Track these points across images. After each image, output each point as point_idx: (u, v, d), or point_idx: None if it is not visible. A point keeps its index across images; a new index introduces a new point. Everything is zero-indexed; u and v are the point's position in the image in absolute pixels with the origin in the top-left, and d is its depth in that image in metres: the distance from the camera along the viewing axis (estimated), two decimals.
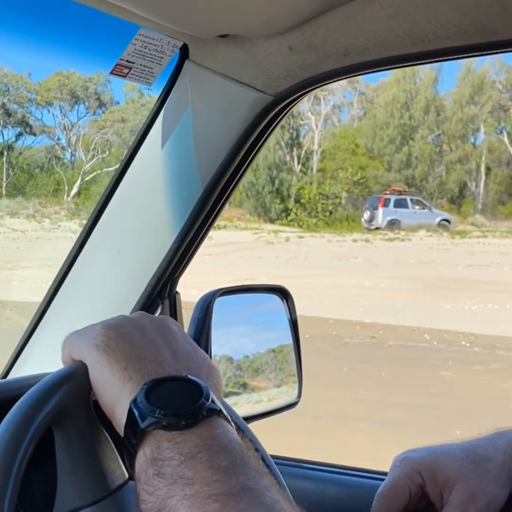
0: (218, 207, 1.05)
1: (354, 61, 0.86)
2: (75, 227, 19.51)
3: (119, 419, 0.63)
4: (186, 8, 0.81)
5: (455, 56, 0.82)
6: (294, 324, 1.36)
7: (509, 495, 0.86)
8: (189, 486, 0.53)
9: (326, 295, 12.47)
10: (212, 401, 0.61)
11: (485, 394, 6.70)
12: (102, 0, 0.77)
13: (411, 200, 31.58)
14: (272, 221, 37.13)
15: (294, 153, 45.15)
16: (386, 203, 31.92)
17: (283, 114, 0.98)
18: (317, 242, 25.55)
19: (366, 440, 5.29)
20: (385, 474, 0.93)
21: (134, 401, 0.61)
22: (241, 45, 0.91)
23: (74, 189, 28.73)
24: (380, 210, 31.24)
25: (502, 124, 44.53)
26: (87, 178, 29.77)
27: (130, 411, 0.61)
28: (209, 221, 1.07)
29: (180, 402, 0.60)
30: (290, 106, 0.97)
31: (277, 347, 1.41)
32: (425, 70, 41.17)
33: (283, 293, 1.35)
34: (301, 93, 0.94)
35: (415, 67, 40.15)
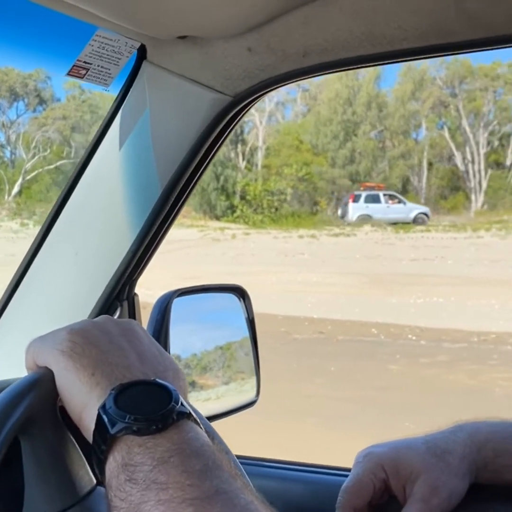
0: (177, 208, 1.05)
1: (313, 62, 0.87)
2: (17, 227, 19.08)
3: (87, 425, 0.63)
4: (144, 9, 0.80)
5: (413, 57, 0.84)
6: (251, 323, 1.37)
7: (468, 486, 0.89)
8: (162, 491, 0.53)
9: (274, 291, 12.54)
10: (182, 404, 0.62)
11: (432, 386, 6.86)
12: (59, 0, 0.76)
13: (385, 194, 31.73)
14: (218, 218, 37.10)
15: (239, 149, 45.16)
16: (356, 199, 32.20)
17: (241, 114, 0.99)
18: (263, 239, 25.64)
19: (317, 435, 5.35)
20: (348, 470, 0.95)
21: (103, 406, 0.60)
22: (199, 46, 0.91)
23: (15, 188, 28.05)
24: (350, 206, 31.56)
25: (443, 120, 45.55)
26: (28, 177, 29.11)
27: (99, 417, 0.60)
28: (168, 222, 1.07)
29: (150, 406, 0.60)
30: (249, 107, 0.98)
31: (225, 344, 1.42)
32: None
33: (240, 292, 1.36)
34: (260, 93, 0.94)
35: None
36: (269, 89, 0.93)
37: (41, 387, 0.66)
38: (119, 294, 1.10)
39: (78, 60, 0.87)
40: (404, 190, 43.40)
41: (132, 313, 1.14)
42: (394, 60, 0.85)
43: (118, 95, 1.01)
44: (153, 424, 0.58)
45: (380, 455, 0.90)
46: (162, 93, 0.98)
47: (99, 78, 0.91)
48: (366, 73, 42.30)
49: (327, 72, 0.90)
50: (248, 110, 0.98)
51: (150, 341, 0.72)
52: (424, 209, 31.95)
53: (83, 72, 0.89)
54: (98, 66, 0.91)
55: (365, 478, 0.88)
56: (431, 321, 9.96)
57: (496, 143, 45.12)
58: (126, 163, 1.03)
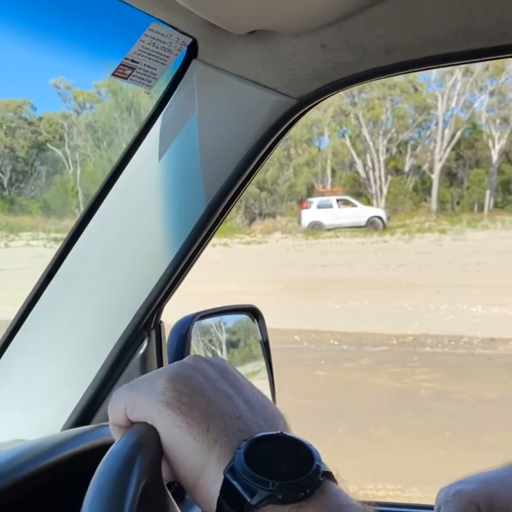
0: (218, 224, 0.94)
1: (396, 60, 0.79)
2: None
3: (206, 493, 0.51)
4: None
5: (509, 54, 0.78)
6: (265, 344, 1.28)
7: None
8: None
9: (192, 302, 12.35)
10: (322, 462, 0.52)
11: (360, 390, 6.93)
12: None
13: (338, 200, 31.52)
14: None
15: None
16: (308, 206, 32.24)
17: (301, 117, 0.89)
18: None
19: None
20: (426, 507, 0.87)
21: (231, 470, 0.49)
22: (263, 42, 0.81)
23: None
24: (302, 213, 31.56)
25: (344, 128, 46.83)
26: None
27: (227, 484, 0.49)
28: (207, 240, 0.96)
29: (290, 467, 0.50)
30: (312, 108, 0.88)
31: (243, 369, 1.31)
32: None
33: (254, 313, 1.27)
34: (328, 95, 0.85)
35: None
36: (339, 89, 0.84)
37: (148, 449, 0.54)
38: (147, 322, 0.97)
39: (125, 59, 0.75)
40: (310, 197, 44.26)
41: (159, 344, 1.01)
42: (490, 57, 0.78)
43: (160, 97, 0.88)
44: (301, 490, 0.48)
45: (471, 493, 0.82)
46: (215, 96, 0.87)
47: (143, 79, 0.80)
48: None
49: (411, 70, 0.82)
50: (306, 113, 0.89)
51: (249, 383, 0.62)
52: (378, 212, 31.23)
53: (129, 72, 0.77)
54: (145, 65, 0.79)
55: None
56: (350, 325, 10.12)
57: (394, 150, 46.82)
58: (167, 173, 0.90)
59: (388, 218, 31.34)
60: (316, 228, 30.27)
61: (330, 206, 30.99)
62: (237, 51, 0.83)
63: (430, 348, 8.77)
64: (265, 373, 1.27)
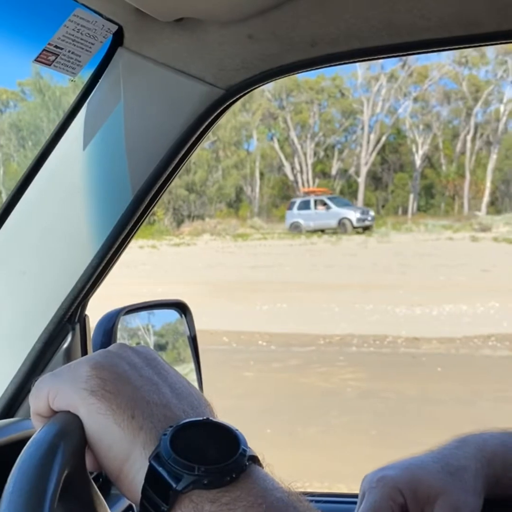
0: (145, 216, 0.93)
1: (322, 52, 0.80)
2: None
3: (131, 481, 0.51)
4: None
5: (434, 49, 0.80)
6: (193, 339, 1.27)
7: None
8: None
9: (119, 304, 12.19)
10: (249, 447, 0.53)
11: (288, 390, 6.99)
12: None
13: (316, 201, 31.02)
14: None
15: None
16: (290, 206, 31.95)
17: (230, 107, 0.89)
18: None
19: None
20: (351, 496, 0.88)
21: (157, 457, 0.49)
22: (190, 31, 0.80)
23: None
24: (286, 214, 31.35)
25: (272, 131, 47.23)
26: None
27: (152, 470, 0.49)
28: (134, 231, 0.94)
29: (216, 452, 0.50)
30: (239, 99, 0.88)
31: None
32: None
33: (181, 308, 1.27)
34: (256, 86, 0.85)
35: None
36: (267, 81, 0.84)
37: (71, 438, 0.53)
38: (71, 316, 0.95)
39: (49, 44, 0.73)
40: (238, 199, 44.42)
41: (84, 338, 0.99)
42: (414, 51, 0.80)
43: (85, 86, 0.86)
44: (227, 475, 0.48)
45: (395, 478, 0.84)
46: (141, 84, 0.86)
47: (67, 66, 0.78)
48: None
49: (337, 63, 0.83)
50: (236, 102, 0.89)
51: (174, 370, 0.61)
52: (349, 213, 30.12)
53: (52, 58, 0.75)
54: (69, 52, 0.77)
55: (384, 504, 0.82)
56: (279, 326, 10.20)
57: (322, 153, 47.57)
58: (91, 163, 0.88)
59: (373, 218, 30.97)
60: (296, 229, 30.00)
61: (308, 207, 30.77)
62: (164, 39, 0.82)
63: (356, 348, 8.94)
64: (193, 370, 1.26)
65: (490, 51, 41.82)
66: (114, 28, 0.81)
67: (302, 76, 44.76)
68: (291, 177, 45.86)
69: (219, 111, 0.87)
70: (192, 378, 1.25)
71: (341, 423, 5.89)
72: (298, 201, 32.51)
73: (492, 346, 8.90)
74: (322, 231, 29.06)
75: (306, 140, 45.57)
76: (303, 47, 0.79)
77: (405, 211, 43.18)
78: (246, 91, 0.86)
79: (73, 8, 0.73)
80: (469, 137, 43.96)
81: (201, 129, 0.87)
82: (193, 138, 0.88)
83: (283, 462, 4.98)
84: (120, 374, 0.55)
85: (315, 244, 24.43)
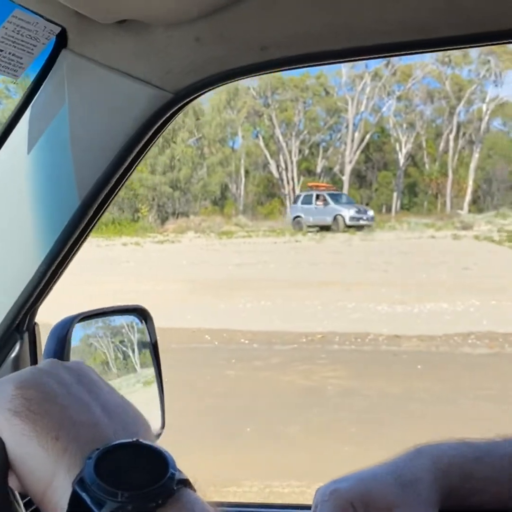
0: (95, 221, 0.90)
1: (272, 56, 0.77)
2: None
3: (54, 505, 0.48)
4: None
5: (391, 53, 0.77)
6: (154, 347, 1.24)
7: None
8: None
9: (103, 301, 12.10)
10: (178, 470, 0.50)
11: (269, 388, 6.98)
12: None
13: (317, 196, 30.46)
14: None
15: None
16: (295, 201, 31.77)
17: (180, 112, 0.86)
18: (85, 247, 24.66)
19: None
20: (304, 507, 0.86)
21: (80, 481, 0.46)
22: (135, 33, 0.77)
23: None
24: (291, 208, 31.29)
25: (257, 129, 47.21)
26: None
27: (75, 496, 0.46)
28: (84, 236, 0.91)
29: (142, 476, 0.47)
30: (189, 103, 0.85)
31: (129, 373, 1.26)
32: None
33: (141, 314, 1.23)
34: (205, 90, 0.82)
35: None
36: (216, 85, 0.81)
37: None
38: (19, 324, 0.92)
39: None
40: (223, 197, 44.37)
41: (34, 347, 0.96)
42: (371, 56, 0.78)
43: (29, 89, 0.83)
44: (153, 500, 0.46)
45: (347, 491, 0.82)
46: (86, 88, 0.82)
47: (9, 68, 0.75)
48: None
49: (288, 67, 0.80)
50: (186, 106, 0.86)
51: (108, 386, 0.58)
52: (343, 210, 29.18)
53: None
54: (10, 53, 0.74)
55: None
56: (261, 324, 10.19)
57: (306, 151, 47.63)
58: (36, 168, 0.85)
59: (372, 218, 29.85)
60: (297, 225, 29.56)
61: (310, 202, 30.29)
62: (107, 41, 0.79)
63: (337, 345, 8.95)
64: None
65: (473, 51, 42.07)
66: (57, 29, 0.77)
67: (286, 74, 44.73)
68: (276, 175, 45.88)
69: (168, 115, 0.84)
70: (153, 386, 1.22)
71: (322, 421, 5.89)
72: (302, 195, 32.13)
73: (472, 344, 8.94)
74: (321, 227, 28.72)
75: (291, 138, 45.59)
76: (253, 51, 0.76)
77: (389, 209, 43.36)
78: (195, 95, 0.83)
79: (12, 9, 0.70)
80: (452, 136, 44.21)
81: (150, 133, 0.84)
82: (142, 142, 0.85)
83: (262, 460, 4.98)
84: (47, 393, 0.52)
85: (300, 242, 24.44)
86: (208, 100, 44.86)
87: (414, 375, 7.40)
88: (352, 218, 28.70)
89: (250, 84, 44.43)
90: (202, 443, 5.28)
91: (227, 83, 0.82)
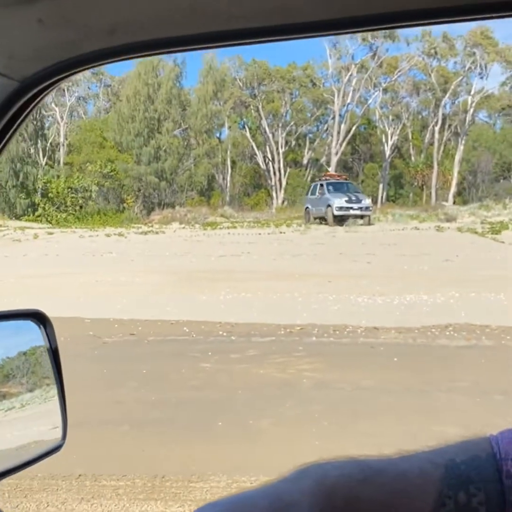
0: None
1: (123, 41, 0.69)
2: None
3: None
4: None
5: (250, 40, 0.69)
6: (54, 354, 1.16)
7: None
8: None
9: (82, 293, 12.04)
10: None
11: (244, 381, 6.91)
12: None
13: (321, 185, 29.83)
14: (18, 217, 35.27)
15: (39, 145, 43.06)
16: (307, 191, 31.50)
17: (34, 103, 0.77)
18: (68, 238, 24.67)
19: (129, 444, 5.13)
20: None
21: None
22: None
23: None
24: (306, 199, 30.87)
25: (244, 120, 47.04)
26: None
27: None
28: None
29: None
30: (43, 94, 0.76)
31: (27, 384, 1.18)
32: (169, 65, 41.93)
33: (39, 318, 1.15)
34: (56, 78, 0.74)
35: (157, 60, 40.55)
36: (68, 73, 0.73)
37: None
38: None
39: None
40: (210, 188, 44.25)
41: None
42: (227, 43, 0.69)
43: None
44: None
45: None
46: None
47: None
48: (167, 70, 42.33)
49: (139, 54, 0.72)
50: (42, 99, 0.77)
51: None
52: (334, 200, 27.80)
53: None
54: None
55: None
56: (241, 316, 10.13)
57: (293, 143, 47.57)
58: None
59: (367, 208, 28.15)
60: (306, 216, 29.32)
61: (315, 192, 29.80)
62: None
63: (315, 338, 8.89)
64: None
65: (459, 42, 42.03)
66: None
67: (273, 65, 44.60)
68: (263, 166, 45.80)
69: (19, 105, 0.75)
70: (53, 395, 1.14)
71: (294, 415, 5.83)
72: (312, 185, 31.62)
73: (449, 335, 8.92)
74: (321, 219, 28.09)
75: (278, 129, 45.49)
76: (101, 35, 0.68)
77: (374, 201, 43.40)
78: (46, 84, 0.75)
79: None
80: (437, 128, 44.27)
81: (1, 125, 0.76)
82: None
83: (231, 455, 4.91)
84: None
85: (284, 233, 24.39)
86: (194, 91, 44.62)
87: (390, 367, 7.36)
88: (340, 208, 27.45)
89: (236, 75, 44.22)
90: (170, 437, 5.22)
91: (80, 71, 0.74)
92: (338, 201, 27.62)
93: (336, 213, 27.27)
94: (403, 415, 5.65)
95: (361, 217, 27.67)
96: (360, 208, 27.84)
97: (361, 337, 8.96)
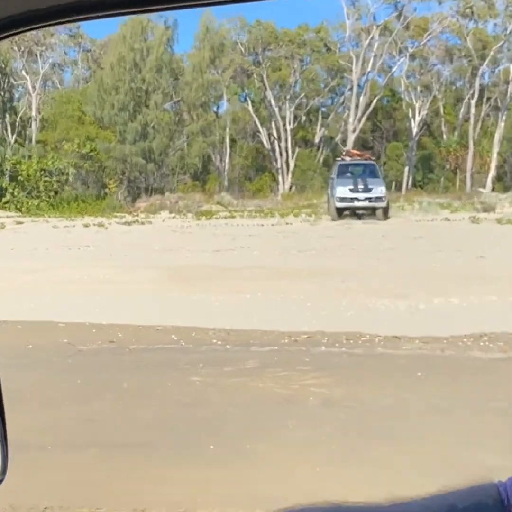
0: None
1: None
2: None
3: None
4: None
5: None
6: None
7: None
8: None
9: (54, 293, 12.06)
10: None
11: (239, 398, 6.92)
12: None
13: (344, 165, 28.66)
14: None
15: (7, 120, 43.10)
16: (333, 173, 29.75)
17: None
18: (40, 228, 24.73)
19: (97, 471, 5.14)
20: None
21: None
22: None
23: None
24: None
25: (246, 91, 46.94)
26: None
27: None
28: None
29: None
30: None
31: None
32: (159, 27, 41.84)
33: None
34: (6, 34, 0.73)
35: (145, 20, 40.40)
36: (20, 29, 0.72)
37: None
38: None
39: None
40: (205, 171, 44.19)
41: None
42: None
43: None
44: None
45: None
46: None
47: None
48: (156, 34, 42.24)
49: (107, 13, 0.70)
50: None
51: None
52: (340, 190, 25.80)
53: None
54: None
55: None
56: (238, 321, 10.11)
57: (303, 118, 47.44)
58: None
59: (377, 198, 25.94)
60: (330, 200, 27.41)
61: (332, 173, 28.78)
62: None
63: (325, 347, 8.89)
64: None
65: (500, 1, 41.85)
66: None
67: (280, 27, 44.48)
68: (267, 145, 45.73)
69: None
70: None
71: (297, 437, 5.84)
72: (338, 164, 29.41)
73: (484, 346, 8.90)
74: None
75: (285, 102, 45.38)
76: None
77: (399, 187, 43.34)
78: None
79: None
80: (473, 102, 44.11)
81: None
82: None
83: (224, 484, 4.92)
84: None
85: (291, 225, 24.38)
86: (188, 57, 44.53)
87: (413, 383, 7.36)
88: (342, 199, 25.51)
89: (237, 38, 44.12)
90: (153, 463, 5.23)
91: (35, 28, 0.73)
92: (342, 191, 25.61)
93: (338, 205, 25.46)
94: (427, 441, 5.65)
95: (373, 210, 25.55)
96: (368, 199, 25.65)
97: (379, 347, 8.96)
